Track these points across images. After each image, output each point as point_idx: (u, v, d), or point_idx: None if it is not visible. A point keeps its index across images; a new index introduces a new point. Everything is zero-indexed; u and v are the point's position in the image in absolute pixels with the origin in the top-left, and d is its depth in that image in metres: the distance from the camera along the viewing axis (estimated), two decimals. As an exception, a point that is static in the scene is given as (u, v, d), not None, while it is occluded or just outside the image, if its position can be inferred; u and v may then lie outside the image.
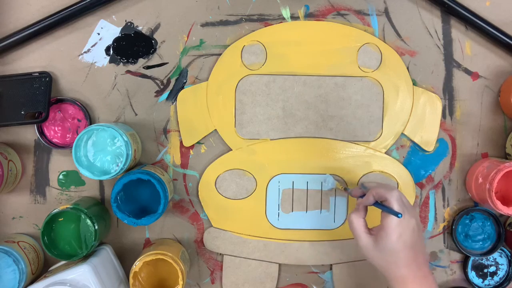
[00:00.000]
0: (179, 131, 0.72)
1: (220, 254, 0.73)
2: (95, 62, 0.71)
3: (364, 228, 0.61)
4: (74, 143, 0.64)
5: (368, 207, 0.62)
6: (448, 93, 0.73)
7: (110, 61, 0.71)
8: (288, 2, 0.71)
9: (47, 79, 0.69)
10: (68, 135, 0.71)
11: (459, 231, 0.73)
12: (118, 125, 0.67)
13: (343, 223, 0.72)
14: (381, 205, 0.60)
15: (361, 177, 0.72)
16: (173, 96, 0.72)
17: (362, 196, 0.63)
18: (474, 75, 0.72)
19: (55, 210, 0.64)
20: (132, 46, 0.71)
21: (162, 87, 0.72)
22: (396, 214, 0.57)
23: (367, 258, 0.61)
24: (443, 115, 0.73)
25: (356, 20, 0.72)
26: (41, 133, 0.71)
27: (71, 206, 0.64)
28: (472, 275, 0.74)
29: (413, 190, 0.72)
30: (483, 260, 0.74)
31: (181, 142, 0.72)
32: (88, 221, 0.65)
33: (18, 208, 0.72)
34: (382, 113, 0.72)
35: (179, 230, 0.73)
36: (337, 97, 0.71)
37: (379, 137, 0.72)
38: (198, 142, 0.72)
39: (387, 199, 0.59)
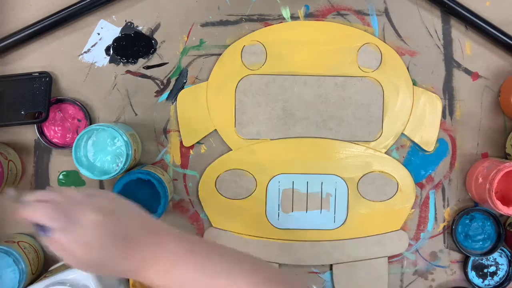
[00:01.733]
0: (179, 131, 0.72)
1: (220, 254, 0.73)
2: (95, 62, 0.71)
3: None
4: (74, 143, 0.64)
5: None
6: (448, 93, 0.73)
7: (110, 61, 0.71)
8: (288, 2, 0.71)
9: (47, 79, 0.69)
10: (68, 135, 0.71)
11: (459, 231, 0.73)
12: (118, 125, 0.67)
13: (343, 223, 0.72)
14: (36, 225, 0.48)
15: (361, 177, 0.72)
16: (173, 96, 0.72)
17: None
18: (474, 75, 0.72)
19: (55, 210, 0.64)
20: (132, 46, 0.71)
21: (162, 87, 0.72)
22: (46, 232, 0.47)
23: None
24: (443, 115, 0.73)
25: (356, 20, 0.72)
26: (41, 133, 0.71)
27: (71, 206, 0.64)
28: (472, 275, 0.74)
29: (413, 190, 0.72)
30: (483, 260, 0.74)
31: (181, 142, 0.72)
32: (88, 221, 0.65)
33: (18, 208, 0.72)
34: (382, 113, 0.72)
35: (179, 230, 0.73)
36: (337, 97, 0.71)
37: (379, 137, 0.72)
38: (198, 142, 0.72)
39: (36, 221, 0.47)
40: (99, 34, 0.71)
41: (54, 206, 0.47)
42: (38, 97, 0.69)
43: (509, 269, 0.74)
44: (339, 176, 0.72)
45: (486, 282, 0.74)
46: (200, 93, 0.71)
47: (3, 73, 0.70)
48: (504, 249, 0.74)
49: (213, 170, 0.72)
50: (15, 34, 0.69)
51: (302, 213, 0.72)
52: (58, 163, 0.72)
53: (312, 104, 0.71)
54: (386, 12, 0.72)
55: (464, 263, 0.74)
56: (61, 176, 0.72)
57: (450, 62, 0.72)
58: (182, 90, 0.71)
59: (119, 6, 0.71)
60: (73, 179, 0.72)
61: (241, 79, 0.71)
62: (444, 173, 0.73)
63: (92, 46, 0.71)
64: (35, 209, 0.47)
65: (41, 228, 0.47)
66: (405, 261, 0.73)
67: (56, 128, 0.71)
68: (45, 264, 0.72)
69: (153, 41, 0.71)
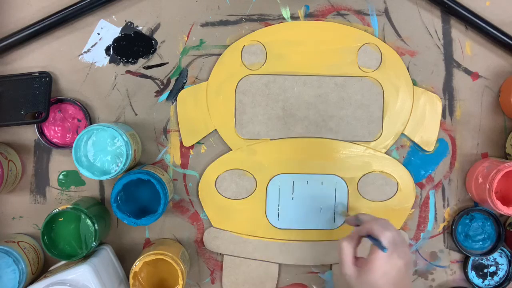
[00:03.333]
0: (179, 131, 0.72)
1: (220, 254, 0.73)
2: (95, 62, 0.71)
3: (352, 257, 0.60)
4: (74, 143, 0.64)
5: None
6: (448, 93, 0.73)
7: (110, 61, 0.71)
8: (288, 2, 0.71)
9: (47, 79, 0.69)
10: (68, 135, 0.71)
11: (459, 231, 0.73)
12: (118, 125, 0.67)
13: (343, 223, 0.72)
14: (372, 238, 0.59)
15: (361, 177, 0.72)
16: (173, 96, 0.72)
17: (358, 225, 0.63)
18: (474, 75, 0.72)
19: (55, 210, 0.64)
20: (132, 46, 0.71)
21: (162, 87, 0.72)
22: (383, 248, 0.56)
23: (349, 285, 0.60)
24: (443, 115, 0.73)
25: (356, 20, 0.72)
26: (41, 133, 0.71)
27: (71, 206, 0.64)
28: (472, 275, 0.74)
29: (413, 190, 0.72)
30: (483, 260, 0.74)
31: (181, 142, 0.72)
32: (88, 221, 0.65)
33: (18, 208, 0.72)
34: (382, 113, 0.72)
35: (179, 230, 0.73)
36: (337, 97, 0.71)
37: (379, 137, 0.72)
38: (198, 142, 0.72)
39: (379, 238, 0.58)
40: (99, 34, 0.71)
41: (394, 235, 0.58)
42: (38, 97, 0.69)
43: (509, 269, 0.74)
44: (339, 176, 0.72)
45: (486, 282, 0.74)
46: (200, 93, 0.71)
47: (3, 73, 0.70)
48: (504, 249, 0.74)
49: (213, 170, 0.72)
50: (15, 34, 0.69)
51: (302, 213, 0.72)
52: (58, 163, 0.72)
53: (312, 104, 0.71)
54: (386, 12, 0.72)
55: (464, 263, 0.74)
56: (61, 176, 0.72)
57: (450, 62, 0.72)
58: (182, 90, 0.72)
59: (119, 6, 0.71)
60: (73, 179, 0.72)
61: (241, 79, 0.71)
62: (444, 173, 0.73)
63: (92, 46, 0.71)
64: (384, 230, 0.58)
65: (377, 242, 0.58)
66: (405, 261, 0.73)
67: (56, 128, 0.71)
68: (45, 264, 0.72)
69: (153, 41, 0.71)
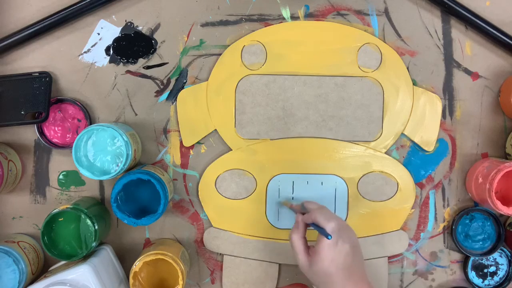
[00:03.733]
0: (179, 131, 0.72)
1: (220, 254, 0.73)
2: (95, 62, 0.71)
3: (303, 247, 0.62)
4: (74, 143, 0.64)
5: None
6: (448, 93, 0.73)
7: (110, 61, 0.71)
8: (288, 2, 0.71)
9: (47, 79, 0.69)
10: (68, 135, 0.71)
11: (459, 231, 0.73)
12: (118, 125, 0.67)
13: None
14: (316, 226, 0.60)
15: (361, 177, 0.72)
16: (173, 96, 0.72)
17: (303, 213, 0.64)
18: (474, 75, 0.72)
19: (55, 210, 0.64)
20: (132, 46, 0.71)
21: (162, 87, 0.72)
22: (327, 235, 0.58)
23: (305, 274, 0.62)
24: (443, 115, 0.73)
25: (356, 20, 0.72)
26: (41, 133, 0.71)
27: (71, 206, 0.64)
28: (472, 275, 0.74)
29: (413, 190, 0.72)
30: (483, 260, 0.74)
31: (181, 142, 0.72)
32: (88, 221, 0.65)
33: (18, 208, 0.72)
34: (382, 113, 0.72)
35: (179, 230, 0.73)
36: (337, 97, 0.71)
37: (379, 137, 0.72)
38: (198, 142, 0.72)
39: (323, 226, 0.59)
40: (99, 34, 0.71)
41: (337, 225, 0.59)
42: (38, 97, 0.69)
43: (509, 269, 0.74)
44: (339, 176, 0.72)
45: (486, 282, 0.74)
46: (200, 93, 0.71)
47: (3, 73, 0.70)
48: (504, 249, 0.74)
49: (213, 170, 0.72)
50: (15, 34, 0.69)
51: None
52: (58, 163, 0.72)
53: (312, 104, 0.71)
54: (386, 12, 0.72)
55: (464, 263, 0.74)
56: (61, 176, 0.72)
57: (450, 62, 0.72)
58: (182, 90, 0.71)
59: (119, 6, 0.71)
60: (73, 179, 0.72)
61: (241, 79, 0.71)
62: (444, 173, 0.73)
63: (92, 46, 0.71)
64: (328, 220, 0.60)
65: (321, 230, 0.59)
66: (405, 261, 0.73)
67: (56, 128, 0.71)
68: (45, 264, 0.72)
69: (153, 41, 0.71)
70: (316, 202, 0.65)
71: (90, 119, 0.71)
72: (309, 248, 0.62)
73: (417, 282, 0.74)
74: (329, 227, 0.59)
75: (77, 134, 0.70)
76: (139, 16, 0.71)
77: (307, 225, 0.63)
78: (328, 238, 0.58)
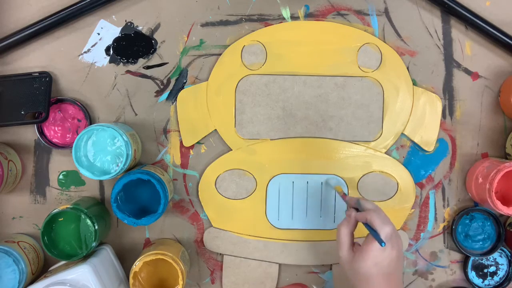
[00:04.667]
0: (179, 131, 0.72)
1: (220, 254, 0.73)
2: (95, 62, 0.71)
3: (349, 241, 0.62)
4: (74, 143, 0.64)
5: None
6: (448, 93, 0.73)
7: (110, 61, 0.71)
8: (288, 2, 0.71)
9: (47, 79, 0.69)
10: (68, 135, 0.71)
11: (459, 231, 0.73)
12: (118, 125, 0.67)
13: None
14: (370, 227, 0.60)
15: (361, 177, 0.72)
16: (173, 96, 0.72)
17: (356, 208, 0.64)
18: (474, 75, 0.72)
19: (55, 210, 0.64)
20: (132, 46, 0.71)
21: (162, 87, 0.72)
22: (380, 242, 0.57)
23: (343, 268, 0.62)
24: (443, 115, 0.73)
25: (356, 20, 0.72)
26: (41, 133, 0.71)
27: (71, 206, 0.64)
28: (472, 275, 0.74)
29: (413, 190, 0.72)
30: (483, 260, 0.74)
31: (181, 142, 0.72)
32: (88, 221, 0.65)
33: (18, 208, 0.72)
34: (382, 113, 0.72)
35: (179, 230, 0.73)
36: (337, 97, 0.71)
37: (379, 137, 0.72)
38: (198, 142, 0.72)
39: (378, 231, 0.59)
40: (99, 34, 0.71)
41: (392, 230, 0.59)
42: (38, 97, 0.69)
43: (509, 269, 0.74)
44: (339, 176, 0.72)
45: (486, 282, 0.74)
46: (200, 93, 0.71)
47: (3, 73, 0.70)
48: (504, 249, 0.74)
49: (213, 170, 0.72)
50: (15, 34, 0.69)
51: (302, 213, 0.72)
52: (58, 163, 0.72)
53: (312, 104, 0.71)
54: (386, 12, 0.72)
55: (464, 263, 0.74)
56: (61, 176, 0.72)
57: (450, 62, 0.72)
58: (182, 90, 0.72)
59: (119, 6, 0.71)
60: (73, 179, 0.72)
61: (241, 79, 0.71)
62: (444, 173, 0.73)
63: (92, 46, 0.71)
64: (385, 224, 0.59)
65: (375, 234, 0.58)
66: (405, 261, 0.73)
67: (56, 128, 0.71)
68: (45, 264, 0.72)
69: (153, 41, 0.71)
70: (372, 202, 0.64)
71: (90, 119, 0.71)
72: (354, 244, 0.62)
73: (417, 282, 0.74)
74: (384, 232, 0.58)
75: (77, 134, 0.70)
76: (139, 16, 0.71)
77: (357, 222, 0.63)
78: (382, 245, 0.57)
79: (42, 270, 0.71)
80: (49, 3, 0.70)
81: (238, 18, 0.71)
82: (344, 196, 0.68)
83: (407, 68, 0.72)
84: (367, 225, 0.60)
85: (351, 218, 0.62)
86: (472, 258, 0.73)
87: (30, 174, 0.72)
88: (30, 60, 0.71)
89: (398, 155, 0.73)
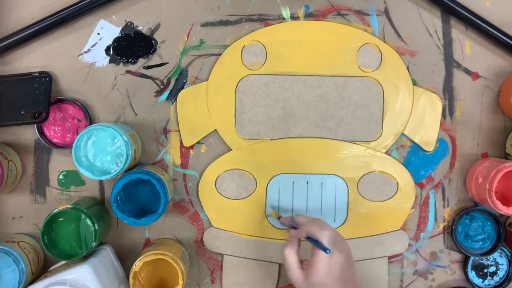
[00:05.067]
0: (179, 131, 0.72)
1: (220, 254, 0.73)
2: (95, 62, 0.71)
3: (296, 262, 0.61)
4: (74, 143, 0.64)
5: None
6: (448, 93, 0.73)
7: (110, 61, 0.71)
8: (288, 2, 0.71)
9: (47, 79, 0.69)
10: (68, 135, 0.71)
11: (459, 231, 0.73)
12: (118, 125, 0.67)
13: (343, 223, 0.72)
14: (312, 240, 0.60)
15: (361, 177, 0.72)
16: (173, 96, 0.72)
17: (294, 227, 0.64)
18: (474, 75, 0.72)
19: (55, 210, 0.64)
20: (132, 46, 0.71)
21: (162, 87, 0.72)
22: (325, 249, 0.58)
23: None
24: (443, 115, 0.73)
25: (356, 20, 0.72)
26: (41, 133, 0.71)
27: (71, 206, 0.64)
28: (472, 275, 0.74)
29: (413, 190, 0.72)
30: (483, 260, 0.74)
31: (181, 142, 0.72)
32: (88, 221, 0.65)
33: (18, 208, 0.72)
34: (382, 113, 0.72)
35: (179, 230, 0.73)
36: (337, 97, 0.71)
37: (379, 137, 0.72)
38: (198, 142, 0.72)
39: (318, 238, 0.59)
40: (99, 34, 0.71)
41: (332, 233, 0.59)
42: (38, 97, 0.69)
43: (509, 269, 0.74)
44: (339, 176, 0.72)
45: (486, 282, 0.74)
46: (200, 93, 0.71)
47: (3, 73, 0.70)
48: (504, 249, 0.74)
49: (213, 170, 0.72)
50: (15, 34, 0.69)
51: (302, 213, 0.72)
52: (58, 163, 0.72)
53: (312, 104, 0.71)
54: (386, 12, 0.72)
55: (464, 263, 0.74)
56: (61, 176, 0.72)
57: (450, 62, 0.72)
58: (182, 90, 0.72)
59: (119, 6, 0.71)
60: (73, 179, 0.72)
61: (241, 79, 0.71)
62: (444, 173, 0.73)
63: (92, 46, 0.71)
64: (322, 230, 0.59)
65: (318, 243, 0.59)
66: (405, 261, 0.73)
67: (56, 128, 0.71)
68: (45, 264, 0.72)
69: (153, 41, 0.71)
70: (306, 215, 0.65)
71: (90, 119, 0.71)
72: (302, 262, 0.62)
73: (417, 282, 0.74)
74: (325, 237, 0.59)
75: (77, 134, 0.70)
76: (139, 16, 0.71)
77: (299, 240, 0.63)
78: (327, 252, 0.57)
79: (42, 270, 0.71)
80: (49, 3, 0.70)
81: (238, 18, 0.71)
82: (279, 219, 0.68)
83: (407, 68, 0.72)
84: (309, 238, 0.61)
85: (292, 238, 0.63)
86: (472, 258, 0.73)
87: (30, 174, 0.72)
88: (30, 60, 0.71)
89: (398, 155, 0.73)
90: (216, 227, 0.72)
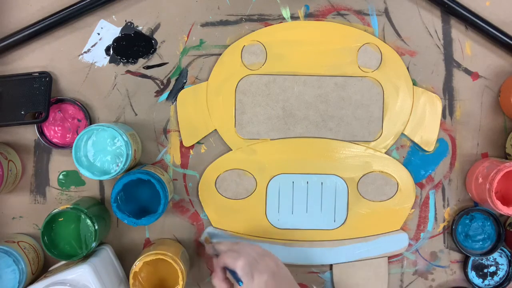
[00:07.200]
0: (179, 131, 0.72)
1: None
2: (95, 62, 0.71)
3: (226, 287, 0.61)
4: (74, 143, 0.64)
5: None
6: (448, 93, 0.73)
7: (110, 61, 0.71)
8: (288, 2, 0.71)
9: (47, 79, 0.69)
10: (68, 135, 0.71)
11: (459, 231, 0.73)
12: (118, 125, 0.67)
13: (343, 223, 0.72)
14: (230, 270, 0.60)
15: (361, 177, 0.72)
16: (173, 96, 0.72)
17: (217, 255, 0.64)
18: (474, 75, 0.72)
19: (55, 210, 0.64)
20: (132, 46, 0.71)
21: (162, 87, 0.72)
22: (238, 281, 0.57)
23: None
24: (443, 115, 0.73)
25: (356, 20, 0.72)
26: (41, 133, 0.71)
27: (71, 206, 0.64)
28: (472, 275, 0.74)
29: (413, 190, 0.72)
30: (483, 260, 0.74)
31: (181, 142, 0.72)
32: (88, 221, 0.65)
33: (18, 208, 0.72)
34: (382, 113, 0.72)
35: (179, 230, 0.73)
36: (337, 97, 0.71)
37: (379, 137, 0.72)
38: (198, 142, 0.72)
39: (234, 269, 0.59)
40: (99, 34, 0.71)
41: (246, 261, 0.58)
42: (38, 97, 0.69)
43: (509, 269, 0.74)
44: (339, 176, 0.72)
45: (486, 282, 0.74)
46: (200, 93, 0.71)
47: (3, 73, 0.70)
48: (504, 249, 0.74)
49: (213, 170, 0.72)
50: (15, 34, 0.69)
51: (302, 213, 0.72)
52: (58, 163, 0.72)
53: (312, 104, 0.71)
54: (386, 12, 0.72)
55: (464, 263, 0.74)
56: (61, 176, 0.72)
57: (450, 62, 0.72)
58: (182, 90, 0.72)
59: (119, 6, 0.71)
60: (73, 179, 0.72)
61: (241, 79, 0.71)
62: (444, 173, 0.73)
63: (92, 46, 0.71)
64: (235, 260, 0.59)
65: (234, 274, 0.59)
66: (405, 261, 0.73)
67: (56, 128, 0.71)
68: (45, 264, 0.72)
69: (153, 41, 0.71)
70: (227, 242, 0.64)
71: (90, 119, 0.71)
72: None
73: (417, 282, 0.74)
74: (238, 268, 0.58)
75: (77, 134, 0.70)
76: (139, 16, 0.71)
77: (225, 268, 0.62)
78: (240, 285, 0.57)
79: (42, 270, 0.71)
80: (49, 3, 0.70)
81: (238, 18, 0.71)
82: (208, 247, 0.67)
83: (407, 68, 0.72)
84: (227, 269, 0.60)
85: (216, 268, 0.62)
86: (472, 258, 0.73)
87: (30, 174, 0.72)
88: (30, 60, 0.71)
89: (398, 155, 0.73)
90: (216, 227, 0.72)
